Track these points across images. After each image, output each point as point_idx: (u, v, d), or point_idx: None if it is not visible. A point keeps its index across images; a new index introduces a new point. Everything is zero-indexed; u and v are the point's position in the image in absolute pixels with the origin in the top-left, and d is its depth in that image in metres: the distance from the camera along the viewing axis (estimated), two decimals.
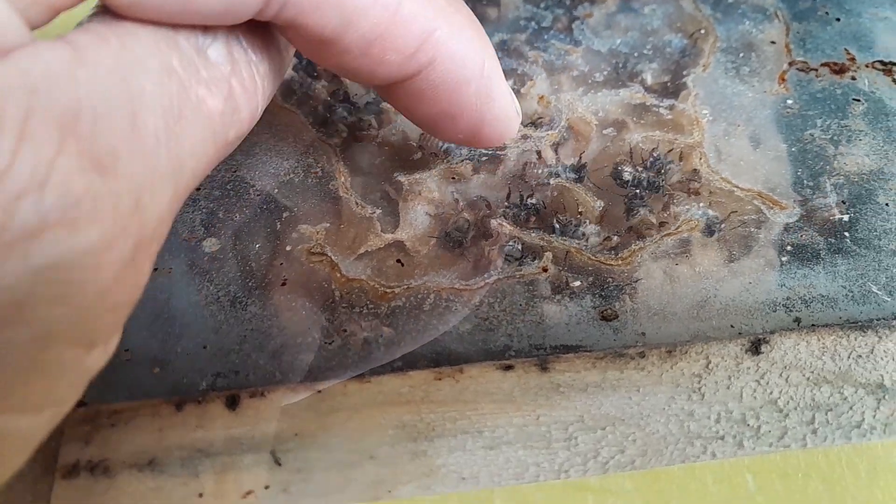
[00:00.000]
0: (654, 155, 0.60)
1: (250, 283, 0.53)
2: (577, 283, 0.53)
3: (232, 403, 0.47)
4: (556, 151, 0.62)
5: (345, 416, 0.47)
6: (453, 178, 0.59)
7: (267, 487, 0.45)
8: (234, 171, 0.59)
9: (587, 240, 0.55)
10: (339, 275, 0.54)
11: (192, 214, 0.57)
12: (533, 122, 0.63)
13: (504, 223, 0.56)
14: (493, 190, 0.60)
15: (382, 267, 0.55)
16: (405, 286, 0.53)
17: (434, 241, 0.57)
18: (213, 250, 0.55)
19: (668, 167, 0.59)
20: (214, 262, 0.54)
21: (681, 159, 0.60)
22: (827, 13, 0.71)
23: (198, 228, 0.56)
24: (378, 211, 0.57)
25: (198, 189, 0.58)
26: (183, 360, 0.50)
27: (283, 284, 0.53)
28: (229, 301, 0.52)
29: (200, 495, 0.45)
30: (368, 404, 0.47)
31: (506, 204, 0.57)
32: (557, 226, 0.56)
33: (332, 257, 0.54)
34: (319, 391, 0.48)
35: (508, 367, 0.48)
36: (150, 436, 0.47)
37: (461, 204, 0.59)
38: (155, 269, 0.54)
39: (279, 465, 0.45)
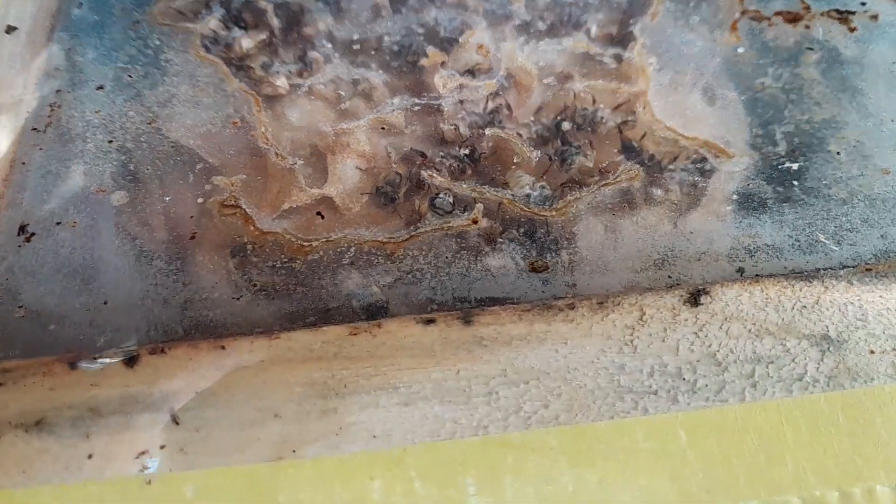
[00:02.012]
0: (595, 104, 0.57)
1: (158, 237, 0.50)
2: (509, 235, 0.50)
3: (130, 361, 0.44)
4: (494, 101, 0.58)
5: (250, 373, 0.44)
6: (383, 128, 0.56)
7: (163, 447, 0.41)
8: (150, 123, 0.55)
9: (521, 190, 0.52)
10: (252, 228, 0.50)
11: (101, 167, 0.53)
12: (470, 71, 0.60)
13: (434, 174, 0.53)
14: (427, 141, 0.57)
15: (303, 221, 0.51)
16: (324, 239, 0.50)
17: (366, 197, 0.53)
18: (122, 203, 0.51)
19: (608, 116, 0.56)
20: (122, 215, 0.51)
21: (623, 108, 0.57)
22: None
23: (107, 181, 0.52)
24: (300, 162, 0.54)
25: (109, 141, 0.54)
26: (81, 316, 0.46)
27: (193, 238, 0.50)
28: (135, 255, 0.49)
29: (90, 457, 0.41)
30: (276, 361, 0.44)
31: (440, 155, 0.54)
32: (490, 176, 0.53)
33: (247, 210, 0.51)
34: (223, 347, 0.44)
35: (430, 321, 0.45)
36: (40, 395, 0.43)
37: (393, 157, 0.55)
38: (58, 223, 0.50)
39: (177, 423, 0.42)
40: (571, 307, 0.46)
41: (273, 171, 0.54)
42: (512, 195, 0.51)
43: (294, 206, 0.52)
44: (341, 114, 0.57)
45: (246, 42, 0.61)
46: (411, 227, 0.50)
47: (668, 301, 0.46)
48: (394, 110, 0.57)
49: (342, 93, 0.58)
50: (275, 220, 0.50)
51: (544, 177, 0.52)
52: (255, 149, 0.54)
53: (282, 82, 0.58)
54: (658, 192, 0.52)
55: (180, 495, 0.40)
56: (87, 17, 0.63)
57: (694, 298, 0.46)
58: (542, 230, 0.50)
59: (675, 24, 0.63)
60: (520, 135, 0.55)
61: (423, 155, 0.53)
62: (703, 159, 0.53)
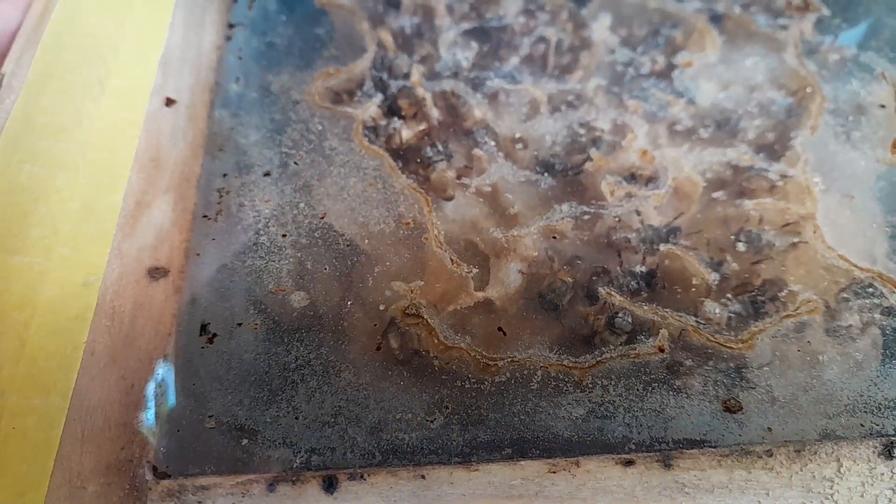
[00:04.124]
0: (761, 224, 0.56)
1: (343, 346, 0.49)
2: (697, 367, 0.49)
3: (329, 486, 0.43)
4: (659, 212, 0.58)
5: None
6: (554, 237, 0.55)
7: None
8: (322, 218, 0.55)
9: (705, 317, 0.51)
10: (436, 341, 0.50)
11: (278, 264, 0.52)
12: (633, 176, 0.59)
13: (612, 292, 0.52)
14: (589, 248, 0.56)
15: (481, 333, 0.51)
16: (509, 359, 0.49)
17: (523, 301, 0.53)
18: (303, 305, 0.51)
19: (780, 240, 0.55)
20: (304, 318, 0.50)
21: (790, 229, 0.56)
22: None
23: (285, 280, 0.52)
24: (475, 270, 0.53)
25: (283, 235, 0.54)
26: (274, 430, 0.45)
27: (378, 349, 0.49)
28: (322, 365, 0.48)
29: None
30: (477, 496, 0.43)
31: (617, 270, 0.53)
32: (668, 297, 0.52)
33: (429, 320, 0.50)
34: (423, 477, 0.43)
35: (629, 462, 0.44)
36: None
37: (556, 263, 0.55)
38: (239, 325, 0.50)
39: None
40: (769, 454, 0.45)
41: (440, 273, 0.53)
42: (696, 321, 0.51)
43: (459, 307, 0.52)
44: (510, 218, 0.56)
45: (406, 133, 0.60)
46: (596, 352, 0.49)
47: (864, 452, 0.45)
48: (563, 217, 0.56)
49: (509, 196, 0.57)
50: (458, 335, 0.50)
51: (724, 301, 0.52)
52: (428, 252, 0.54)
53: (446, 181, 0.58)
54: (839, 328, 0.51)
55: None
56: (245, 94, 0.63)
57: (888, 451, 0.46)
58: (731, 363, 0.49)
59: (836, 139, 0.62)
60: (695, 252, 0.54)
61: (604, 270, 0.53)
62: (881, 294, 0.53)
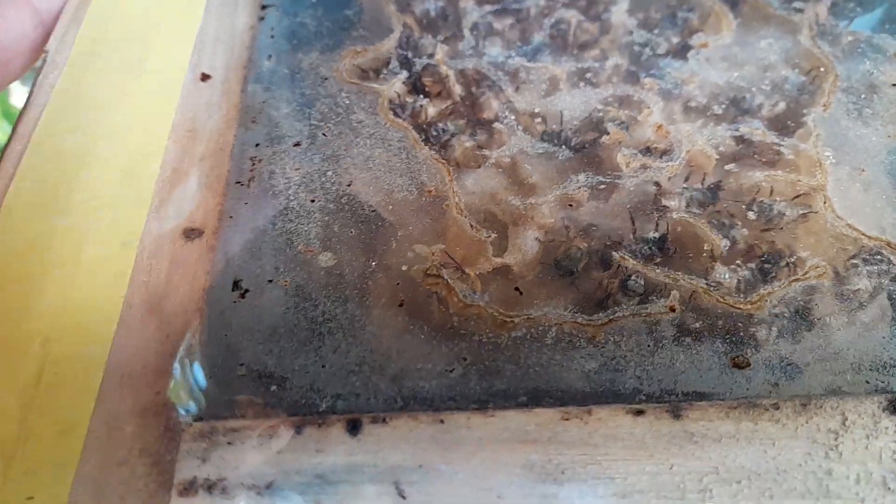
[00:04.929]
0: (772, 195, 0.58)
1: (368, 302, 0.52)
2: (707, 326, 0.51)
3: (353, 428, 0.46)
4: (673, 184, 0.60)
5: (469, 449, 0.45)
6: (570, 205, 0.58)
7: None
8: (349, 185, 0.58)
9: (715, 280, 0.53)
10: (456, 299, 0.52)
11: (307, 226, 0.55)
12: (648, 150, 0.61)
13: (626, 257, 0.54)
14: (605, 217, 0.58)
15: (499, 294, 0.53)
16: (525, 316, 0.51)
17: (540, 267, 0.55)
18: (330, 265, 0.53)
19: (791, 210, 0.57)
20: (331, 277, 0.53)
21: (801, 201, 0.58)
22: None
23: (313, 241, 0.54)
24: (494, 235, 0.56)
25: (312, 201, 0.56)
26: (301, 378, 0.48)
27: (401, 305, 0.51)
28: (347, 319, 0.51)
29: None
30: (493, 440, 0.46)
31: (630, 236, 0.56)
32: (680, 261, 0.54)
33: (449, 281, 0.53)
34: (442, 421, 0.46)
35: (639, 412, 0.46)
36: (268, 458, 0.45)
37: (572, 231, 0.57)
38: (270, 281, 0.52)
39: (403, 497, 0.44)
40: (776, 407, 0.47)
41: (460, 239, 0.55)
42: (706, 283, 0.52)
43: (478, 272, 0.54)
44: (528, 188, 0.58)
45: (431, 110, 0.63)
46: (608, 311, 0.51)
47: (868, 407, 0.47)
48: (579, 187, 0.58)
49: (528, 167, 0.60)
50: (476, 294, 0.52)
51: (734, 266, 0.54)
52: (451, 219, 0.56)
53: (467, 153, 0.60)
54: (847, 292, 0.53)
55: None
56: (277, 70, 0.66)
57: (893, 406, 0.47)
58: (739, 323, 0.51)
59: (848, 116, 0.64)
60: (709, 221, 0.56)
61: (618, 236, 0.55)
62: (889, 262, 0.54)
